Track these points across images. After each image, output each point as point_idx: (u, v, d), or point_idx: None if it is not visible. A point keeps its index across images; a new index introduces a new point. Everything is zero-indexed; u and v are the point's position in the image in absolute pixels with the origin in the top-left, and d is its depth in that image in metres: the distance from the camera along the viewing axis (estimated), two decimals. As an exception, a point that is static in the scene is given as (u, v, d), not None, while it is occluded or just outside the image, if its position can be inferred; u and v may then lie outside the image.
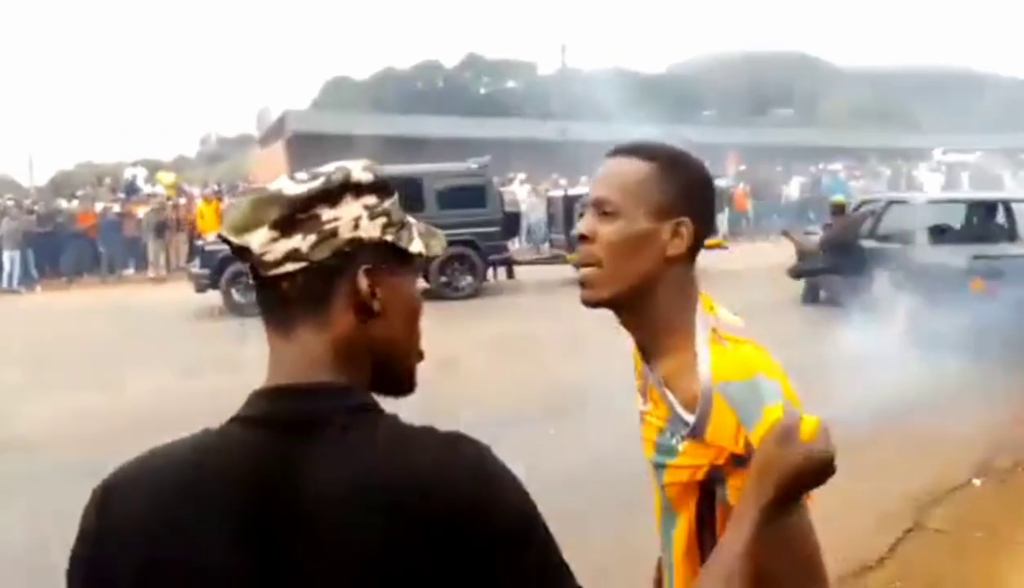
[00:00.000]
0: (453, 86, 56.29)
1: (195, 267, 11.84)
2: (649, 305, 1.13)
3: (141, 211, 17.11)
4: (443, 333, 9.26)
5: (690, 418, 1.09)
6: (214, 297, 11.33)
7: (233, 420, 0.83)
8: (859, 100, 46.92)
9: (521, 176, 20.30)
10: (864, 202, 10.06)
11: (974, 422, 5.10)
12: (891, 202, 9.55)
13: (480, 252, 12.06)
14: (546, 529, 0.81)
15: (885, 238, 8.73)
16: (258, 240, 0.83)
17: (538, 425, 5.50)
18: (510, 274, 13.27)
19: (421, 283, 10.33)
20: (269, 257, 0.83)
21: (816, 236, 9.53)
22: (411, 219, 0.94)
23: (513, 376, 7.08)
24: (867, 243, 8.67)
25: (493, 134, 28.77)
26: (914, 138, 34.40)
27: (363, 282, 0.85)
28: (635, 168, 1.14)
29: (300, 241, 0.83)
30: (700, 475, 1.09)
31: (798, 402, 1.06)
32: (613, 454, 4.55)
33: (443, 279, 11.88)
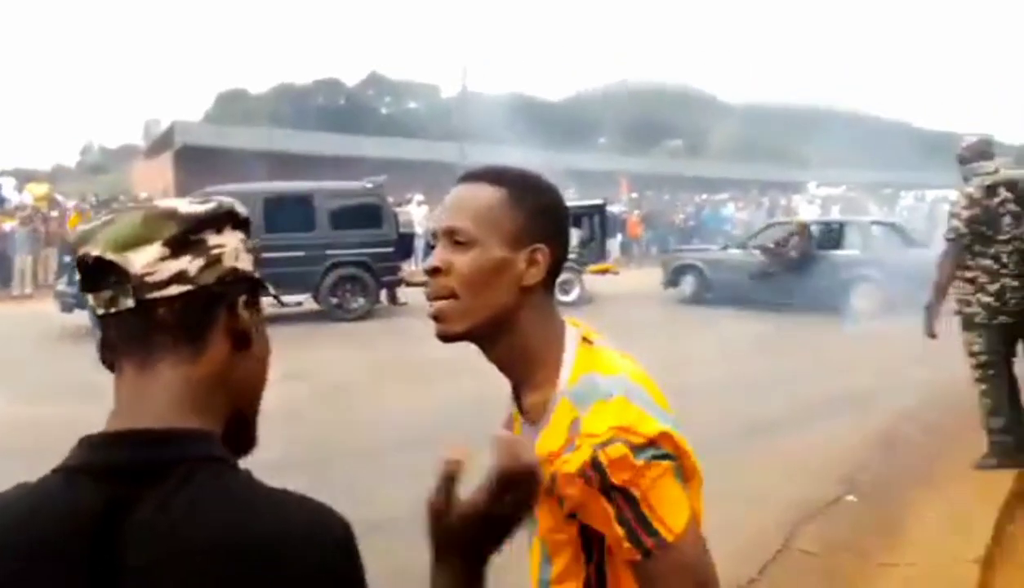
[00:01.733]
0: (354, 105, 55.64)
1: (62, 285, 11.11)
2: (511, 337, 1.08)
3: (8, 224, 15.94)
4: (334, 356, 9.04)
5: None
6: (81, 317, 10.65)
7: (57, 470, 0.74)
8: (742, 134, 49.57)
9: (419, 197, 20.19)
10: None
11: (838, 442, 5.36)
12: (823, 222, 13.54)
13: (373, 273, 11.86)
14: None
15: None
16: (144, 259, 0.78)
17: (431, 451, 5.40)
18: (392, 299, 12.96)
19: (311, 305, 9.99)
20: (152, 278, 0.78)
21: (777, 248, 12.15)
22: None
23: (406, 400, 6.94)
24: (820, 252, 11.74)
25: (394, 154, 28.57)
26: (790, 171, 36.62)
27: (244, 311, 0.83)
28: (487, 195, 1.08)
29: (188, 263, 0.80)
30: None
31: (670, 410, 1.03)
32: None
33: (334, 301, 11.60)
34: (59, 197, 19.84)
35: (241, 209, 0.88)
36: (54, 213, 17.22)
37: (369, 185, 12.32)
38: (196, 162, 25.36)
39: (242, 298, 0.84)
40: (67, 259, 12.37)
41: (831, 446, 5.30)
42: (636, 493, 0.96)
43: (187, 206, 0.83)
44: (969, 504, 4.14)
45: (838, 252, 11.64)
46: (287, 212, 11.45)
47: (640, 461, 0.96)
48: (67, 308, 10.77)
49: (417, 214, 18.33)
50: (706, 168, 38.84)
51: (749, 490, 4.38)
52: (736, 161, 41.27)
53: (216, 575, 0.69)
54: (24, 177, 26.41)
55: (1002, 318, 4.37)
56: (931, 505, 4.23)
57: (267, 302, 0.94)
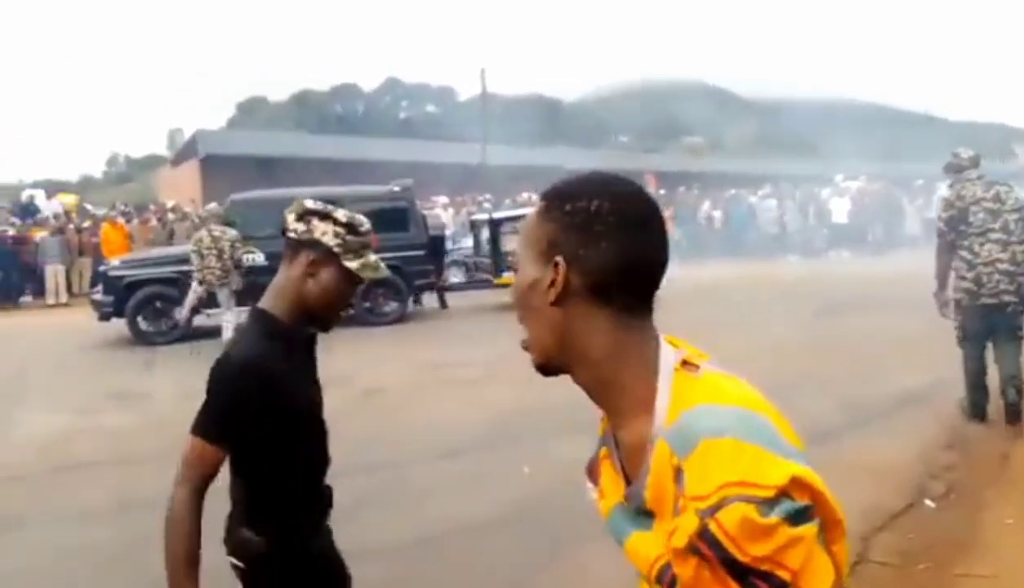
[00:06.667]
0: (372, 109, 55.84)
1: (98, 294, 11.14)
2: (581, 363, 0.94)
3: (40, 235, 16.05)
4: (369, 361, 8.93)
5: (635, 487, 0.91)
6: (118, 326, 10.68)
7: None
8: (759, 129, 49.13)
9: (444, 200, 20.12)
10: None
11: (904, 447, 5.16)
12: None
13: (405, 277, 11.78)
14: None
15: None
16: (291, 218, 1.78)
17: (470, 458, 5.30)
18: (443, 303, 12.75)
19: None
20: (290, 226, 1.78)
21: None
22: (371, 254, 1.84)
23: (444, 407, 6.84)
24: None
25: (414, 157, 28.55)
26: (810, 164, 36.02)
27: (306, 258, 1.77)
28: (532, 212, 1.00)
29: (302, 227, 1.77)
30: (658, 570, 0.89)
31: (800, 445, 0.86)
32: (550, 490, 4.41)
33: (366, 305, 11.53)
34: (88, 207, 20.01)
35: (340, 216, 1.80)
36: (86, 223, 17.30)
37: (397, 188, 12.22)
38: (221, 169, 25.53)
39: (313, 251, 1.75)
40: (100, 268, 12.39)
41: (896, 452, 5.09)
42: (785, 576, 0.80)
43: (311, 204, 1.80)
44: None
45: None
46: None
47: (772, 519, 0.78)
48: (104, 317, 10.78)
49: (444, 216, 18.22)
50: (728, 164, 38.47)
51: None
52: (755, 156, 40.83)
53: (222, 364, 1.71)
54: (53, 188, 26.69)
55: (983, 300, 5.10)
56: (1008, 508, 4.05)
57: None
